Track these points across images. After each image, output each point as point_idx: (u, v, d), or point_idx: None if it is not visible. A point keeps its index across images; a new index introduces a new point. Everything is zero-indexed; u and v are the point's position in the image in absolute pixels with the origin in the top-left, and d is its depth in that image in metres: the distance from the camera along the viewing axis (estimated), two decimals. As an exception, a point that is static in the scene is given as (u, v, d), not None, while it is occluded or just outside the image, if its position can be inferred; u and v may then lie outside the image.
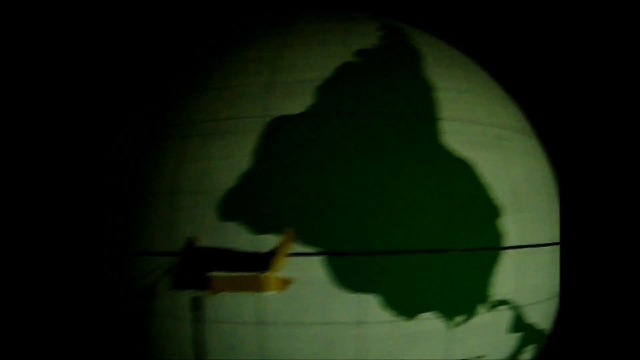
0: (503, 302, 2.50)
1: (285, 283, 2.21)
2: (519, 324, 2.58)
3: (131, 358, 2.60)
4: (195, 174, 2.38)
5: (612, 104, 3.59)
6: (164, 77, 2.78)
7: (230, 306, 2.26)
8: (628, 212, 3.34)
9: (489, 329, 2.48)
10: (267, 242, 2.25)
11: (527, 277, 2.57)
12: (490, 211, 2.48)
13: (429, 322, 2.34)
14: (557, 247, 2.87)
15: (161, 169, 2.46)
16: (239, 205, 2.29)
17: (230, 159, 2.35)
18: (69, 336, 2.96)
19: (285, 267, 2.20)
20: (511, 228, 2.51)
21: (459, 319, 2.38)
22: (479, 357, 2.47)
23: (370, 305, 2.26)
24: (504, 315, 2.52)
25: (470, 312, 2.40)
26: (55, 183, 2.86)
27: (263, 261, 2.21)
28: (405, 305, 2.30)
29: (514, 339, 2.60)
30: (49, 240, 2.85)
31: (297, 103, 2.41)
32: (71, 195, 2.70)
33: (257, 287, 2.17)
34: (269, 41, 2.73)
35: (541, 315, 2.76)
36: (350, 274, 2.25)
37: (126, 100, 2.77)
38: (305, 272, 2.24)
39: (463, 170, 2.45)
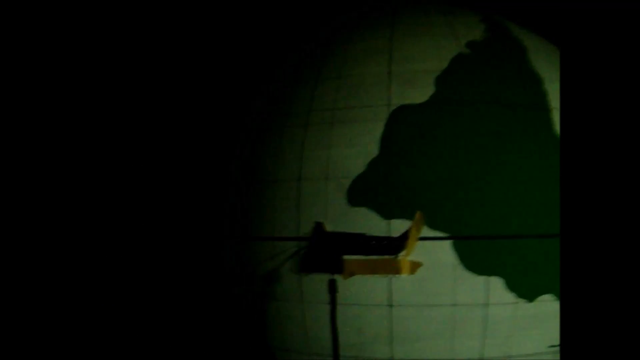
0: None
1: (415, 266, 2.30)
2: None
3: (249, 342, 2.70)
4: (320, 161, 2.46)
5: None
6: (280, 68, 2.86)
7: (362, 289, 2.35)
8: None
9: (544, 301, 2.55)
10: (396, 227, 2.33)
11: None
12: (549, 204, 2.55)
13: (548, 304, 2.42)
14: None
15: (284, 156, 2.55)
16: (368, 191, 2.37)
17: (357, 146, 2.43)
18: (188, 320, 3.07)
19: (415, 251, 2.29)
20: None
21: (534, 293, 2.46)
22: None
23: (494, 287, 2.35)
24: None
25: (537, 285, 2.48)
26: (183, 171, 2.96)
27: (395, 245, 2.30)
28: (526, 287, 2.39)
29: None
30: (173, 224, 2.96)
31: (419, 92, 2.49)
32: (199, 182, 2.81)
33: (390, 270, 2.26)
34: (379, 33, 2.81)
35: None
36: (476, 258, 2.34)
37: (248, 92, 2.87)
38: (433, 255, 2.32)
39: (549, 167, 2.52)
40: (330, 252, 2.34)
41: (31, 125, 4.02)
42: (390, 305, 2.36)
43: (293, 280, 2.48)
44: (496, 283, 2.36)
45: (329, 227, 2.40)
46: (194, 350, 3.24)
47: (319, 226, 2.41)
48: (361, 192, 2.39)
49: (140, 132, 3.87)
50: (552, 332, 2.48)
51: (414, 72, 2.57)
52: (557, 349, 2.51)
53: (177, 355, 3.41)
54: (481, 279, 2.35)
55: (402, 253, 2.26)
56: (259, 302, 2.60)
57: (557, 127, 2.56)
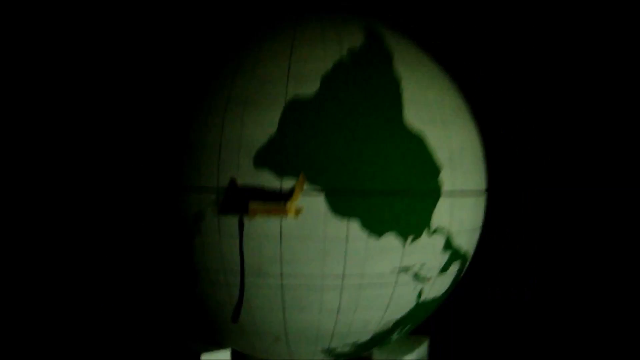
0: (439, 229, 3.72)
1: (298, 211, 3.33)
2: (448, 245, 3.82)
3: (179, 266, 3.68)
4: (236, 134, 3.43)
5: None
6: (207, 59, 3.77)
7: (261, 226, 3.37)
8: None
9: (429, 247, 3.69)
10: (286, 183, 3.35)
11: (456, 213, 3.80)
12: (433, 168, 3.67)
13: (392, 240, 3.52)
14: (481, 194, 4.12)
15: (209, 128, 3.49)
16: (267, 157, 3.37)
17: (262, 126, 3.41)
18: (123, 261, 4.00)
19: (299, 201, 3.32)
20: (447, 180, 3.71)
21: (410, 239, 3.58)
22: (422, 264, 3.70)
23: (352, 227, 3.42)
24: (440, 239, 3.75)
25: (417, 235, 3.61)
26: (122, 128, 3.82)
27: (284, 195, 3.32)
28: (376, 227, 3.48)
29: (445, 255, 3.84)
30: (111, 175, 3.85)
31: (308, 88, 3.48)
32: (137, 139, 3.69)
33: (281, 212, 3.28)
34: (282, 39, 3.76)
35: (465, 241, 4.01)
36: (340, 205, 3.40)
37: (181, 71, 3.75)
38: (311, 203, 3.36)
39: (418, 140, 3.61)
40: (239, 199, 3.34)
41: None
42: (280, 237, 3.40)
43: (213, 220, 3.47)
44: (354, 223, 3.43)
45: (239, 182, 3.39)
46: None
47: (232, 181, 3.39)
48: (262, 159, 3.38)
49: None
50: (394, 260, 3.60)
51: (306, 72, 3.55)
52: (398, 270, 3.64)
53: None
54: (343, 220, 3.41)
55: (289, 201, 3.28)
56: (187, 236, 3.57)
57: (407, 117, 3.62)
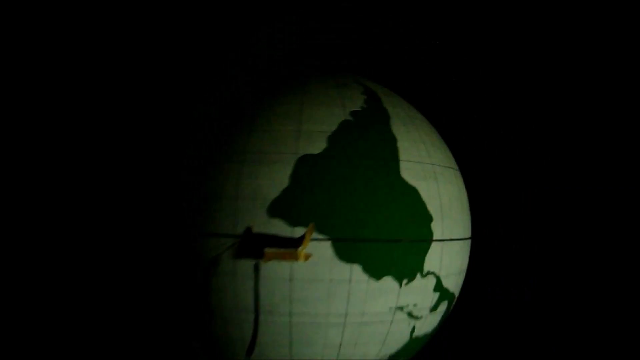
0: (430, 273, 4.16)
1: (308, 256, 3.74)
2: (438, 287, 4.26)
3: (195, 306, 4.04)
4: (251, 187, 3.85)
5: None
6: (222, 115, 4.20)
7: (274, 270, 3.78)
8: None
9: (422, 289, 4.13)
10: (297, 231, 3.77)
11: (445, 258, 4.25)
12: (426, 218, 4.13)
13: (389, 282, 3.95)
14: (466, 241, 4.58)
15: (226, 181, 3.91)
16: (280, 208, 3.80)
17: (275, 179, 3.84)
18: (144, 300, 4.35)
19: (308, 247, 3.74)
20: (437, 229, 4.17)
21: (405, 281, 4.01)
22: (415, 304, 4.12)
23: (355, 270, 3.85)
24: (431, 281, 4.18)
25: (411, 278, 4.04)
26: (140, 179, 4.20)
27: (295, 242, 3.74)
28: (376, 271, 3.91)
29: (435, 295, 4.28)
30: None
31: (316, 146, 3.94)
32: (156, 189, 4.07)
33: (293, 257, 3.69)
34: (292, 99, 4.23)
35: (452, 283, 4.46)
36: (344, 252, 3.83)
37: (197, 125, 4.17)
38: (319, 250, 3.78)
39: (413, 193, 4.08)
40: (255, 245, 3.74)
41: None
42: (291, 280, 3.80)
43: (229, 263, 3.86)
44: (356, 268, 3.85)
45: (255, 230, 3.79)
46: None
47: (248, 229, 3.80)
48: (276, 209, 3.80)
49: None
50: (391, 300, 4.02)
51: (314, 132, 4.01)
52: (394, 310, 4.05)
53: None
54: (347, 265, 3.84)
55: (300, 248, 3.69)
56: (204, 277, 3.95)
57: (402, 172, 4.09)
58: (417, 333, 4.33)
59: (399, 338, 4.24)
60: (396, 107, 4.47)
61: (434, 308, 4.33)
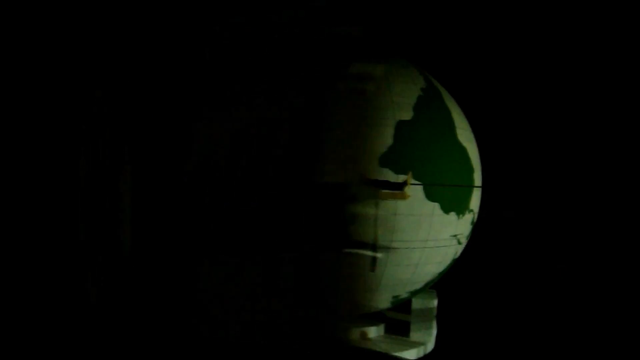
0: (470, 210, 5.70)
1: (408, 196, 5.03)
2: (472, 221, 5.82)
3: (328, 235, 5.04)
4: (365, 144, 5.00)
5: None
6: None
7: (385, 206, 5.00)
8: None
9: (466, 221, 5.66)
10: (400, 178, 5.03)
11: (475, 200, 5.81)
12: (470, 170, 5.64)
13: (452, 216, 5.40)
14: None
15: (346, 141, 5.00)
16: (388, 161, 5.01)
17: (382, 138, 5.04)
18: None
19: (409, 189, 5.03)
20: (475, 178, 5.72)
21: (460, 215, 5.49)
22: (461, 233, 5.63)
23: (436, 207, 5.23)
24: (470, 216, 5.73)
25: (463, 213, 5.54)
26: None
27: (400, 185, 5.00)
28: (446, 207, 5.32)
29: (470, 227, 5.84)
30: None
31: (406, 114, 5.20)
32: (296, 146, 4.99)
33: (399, 197, 4.95)
34: (381, 78, 5.41)
35: (475, 218, 6.06)
36: (430, 193, 5.18)
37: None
38: (414, 192, 5.09)
39: (464, 152, 5.56)
40: (373, 186, 4.92)
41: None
42: (395, 214, 5.05)
43: (358, 199, 4.98)
44: (437, 205, 5.23)
45: (371, 177, 4.96)
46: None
47: (362, 175, 4.95)
48: (385, 161, 5.01)
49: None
50: (452, 229, 5.47)
51: (403, 103, 5.26)
52: (452, 237, 5.51)
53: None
54: (431, 203, 5.20)
55: (404, 189, 4.95)
56: (337, 204, 5.00)
57: (459, 136, 5.53)
58: (455, 257, 5.86)
59: (448, 260, 5.74)
60: (441, 86, 5.87)
61: (468, 237, 5.89)
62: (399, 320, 6.34)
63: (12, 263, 5.72)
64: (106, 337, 5.72)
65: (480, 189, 6.06)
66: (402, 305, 6.10)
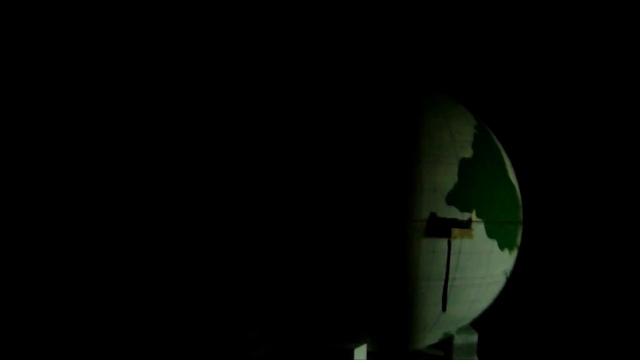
0: (517, 246, 5.82)
1: (472, 234, 5.08)
2: (517, 256, 5.95)
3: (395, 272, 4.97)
4: (433, 182, 5.02)
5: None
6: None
7: (453, 245, 5.01)
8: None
9: (513, 257, 5.77)
10: (466, 215, 5.08)
11: (519, 235, 5.95)
12: (518, 206, 5.78)
13: (506, 252, 5.49)
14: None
15: (414, 177, 5.00)
16: (454, 198, 5.05)
17: (448, 176, 5.08)
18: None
19: (473, 227, 5.08)
20: (521, 214, 5.86)
21: (511, 251, 5.60)
22: (509, 268, 5.72)
23: (494, 244, 5.30)
24: (516, 252, 5.85)
25: (513, 247, 5.65)
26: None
27: (466, 224, 5.04)
28: (502, 244, 5.41)
29: (513, 263, 5.96)
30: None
31: (467, 152, 5.28)
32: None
33: (469, 235, 4.99)
34: (436, 112, 5.46)
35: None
36: (489, 230, 5.25)
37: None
38: (477, 229, 5.15)
39: (514, 189, 5.69)
40: (445, 227, 4.92)
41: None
42: (460, 252, 5.08)
43: (424, 240, 4.96)
44: (495, 242, 5.31)
45: (439, 215, 4.97)
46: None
47: (432, 214, 4.95)
48: (451, 200, 5.04)
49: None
50: (504, 266, 5.56)
51: (463, 140, 5.33)
52: (506, 274, 5.60)
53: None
54: (490, 240, 5.27)
55: (470, 227, 5.00)
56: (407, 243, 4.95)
57: (509, 174, 5.66)
58: (499, 292, 5.96)
59: (495, 295, 5.81)
60: (484, 122, 6.02)
61: (511, 272, 6.01)
62: (431, 355, 6.32)
63: (12, 263, 5.48)
64: (106, 337, 5.53)
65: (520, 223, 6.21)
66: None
